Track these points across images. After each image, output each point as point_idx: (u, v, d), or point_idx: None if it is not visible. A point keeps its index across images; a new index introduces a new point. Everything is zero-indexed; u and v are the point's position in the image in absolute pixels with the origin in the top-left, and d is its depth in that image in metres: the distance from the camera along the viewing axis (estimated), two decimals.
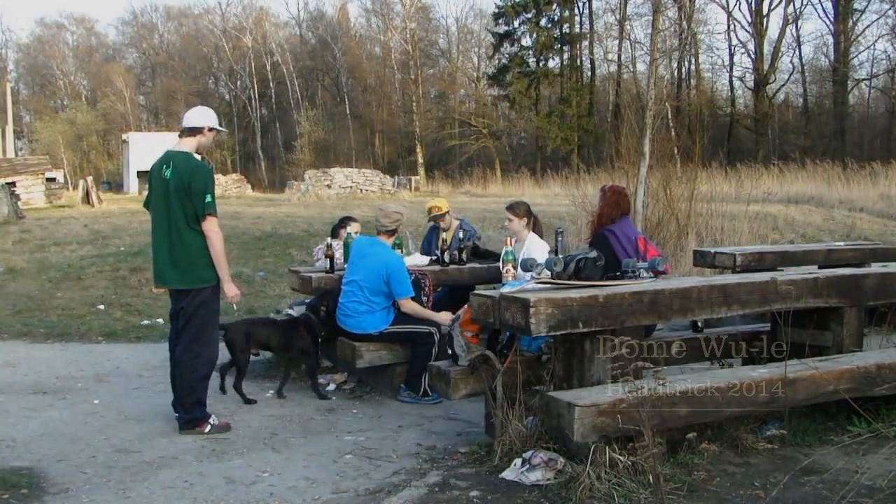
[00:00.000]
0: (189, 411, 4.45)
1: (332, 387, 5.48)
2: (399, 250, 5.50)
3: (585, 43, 42.91)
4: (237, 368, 5.13)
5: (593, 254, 4.09)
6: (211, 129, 4.52)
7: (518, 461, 3.55)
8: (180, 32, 58.30)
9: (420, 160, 44.13)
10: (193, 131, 4.47)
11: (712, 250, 6.03)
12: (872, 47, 49.09)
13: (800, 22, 38.49)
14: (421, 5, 48.61)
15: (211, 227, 4.34)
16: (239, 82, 53.43)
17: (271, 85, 51.77)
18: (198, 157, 4.52)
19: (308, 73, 52.39)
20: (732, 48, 39.50)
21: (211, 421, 4.47)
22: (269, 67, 50.94)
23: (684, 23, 14.47)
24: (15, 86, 49.93)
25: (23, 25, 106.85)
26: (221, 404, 4.98)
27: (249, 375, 5.82)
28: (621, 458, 3.29)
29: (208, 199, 4.32)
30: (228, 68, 53.73)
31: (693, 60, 38.69)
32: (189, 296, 4.41)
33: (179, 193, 4.32)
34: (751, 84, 38.56)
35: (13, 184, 19.25)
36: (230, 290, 4.47)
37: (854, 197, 18.62)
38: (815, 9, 38.23)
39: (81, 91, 56.76)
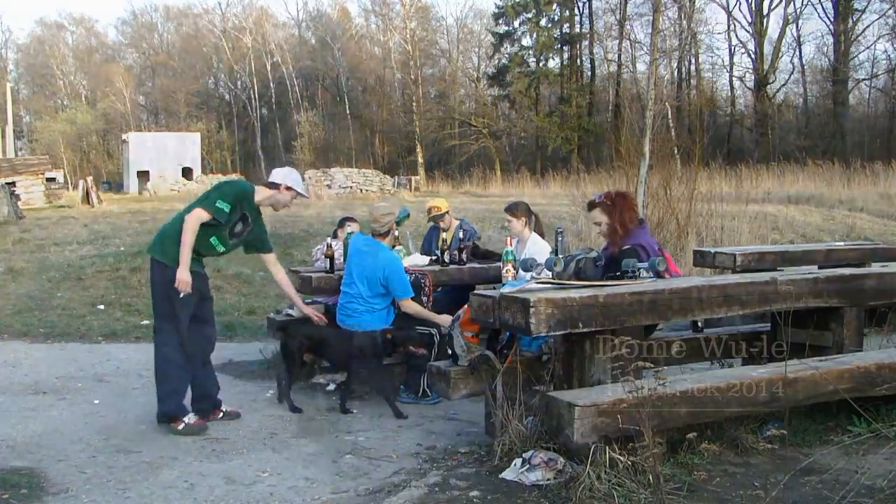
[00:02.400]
0: (162, 401, 4.42)
1: (331, 387, 5.47)
2: (397, 243, 5.46)
3: (585, 43, 42.93)
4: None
5: (593, 254, 4.08)
6: (289, 189, 4.75)
7: (518, 461, 3.55)
8: (180, 32, 58.31)
9: (420, 160, 44.08)
10: (271, 185, 4.75)
11: (712, 250, 6.01)
12: (872, 47, 49.00)
13: (800, 22, 38.55)
14: (421, 5, 48.61)
15: (193, 214, 4.43)
16: (239, 82, 53.42)
17: (271, 85, 51.76)
18: (261, 201, 4.73)
19: (308, 74, 52.36)
20: (732, 48, 39.59)
21: (185, 419, 4.42)
22: (269, 67, 50.93)
23: (684, 23, 14.52)
24: (15, 86, 49.89)
25: (22, 25, 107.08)
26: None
27: (249, 375, 5.84)
28: (621, 458, 3.28)
29: (213, 200, 4.46)
30: (228, 68, 53.72)
31: (693, 60, 38.74)
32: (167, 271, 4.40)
33: (202, 194, 4.66)
34: (751, 84, 38.58)
35: (13, 184, 19.26)
36: (181, 273, 4.33)
37: (854, 197, 18.63)
38: (815, 9, 38.14)
39: (81, 91, 56.73)
